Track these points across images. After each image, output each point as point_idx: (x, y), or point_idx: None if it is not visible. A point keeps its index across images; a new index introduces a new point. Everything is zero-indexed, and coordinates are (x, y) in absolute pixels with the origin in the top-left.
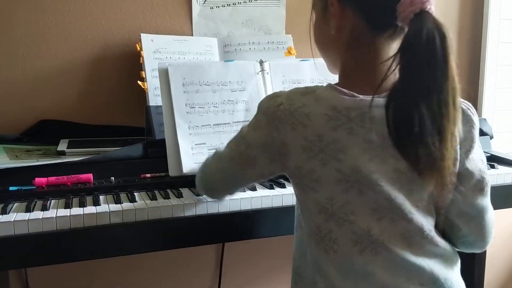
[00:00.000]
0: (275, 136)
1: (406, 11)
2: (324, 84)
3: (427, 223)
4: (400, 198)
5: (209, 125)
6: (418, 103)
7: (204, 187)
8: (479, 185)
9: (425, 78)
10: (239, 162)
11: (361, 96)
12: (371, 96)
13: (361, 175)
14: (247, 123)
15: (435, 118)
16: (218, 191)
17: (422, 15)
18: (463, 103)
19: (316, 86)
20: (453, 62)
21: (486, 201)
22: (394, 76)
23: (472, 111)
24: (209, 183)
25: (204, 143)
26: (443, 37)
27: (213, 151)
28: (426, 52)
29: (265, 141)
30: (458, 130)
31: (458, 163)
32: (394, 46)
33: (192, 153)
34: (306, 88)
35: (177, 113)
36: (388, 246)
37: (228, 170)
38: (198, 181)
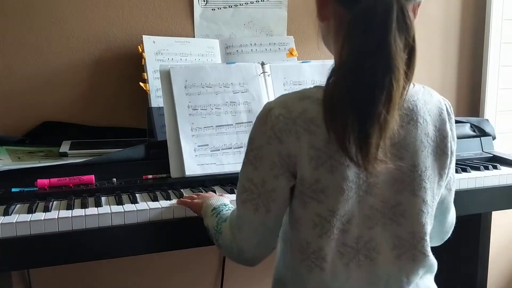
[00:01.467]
0: (281, 150)
1: None
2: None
3: (420, 225)
4: (393, 200)
5: (212, 126)
6: (344, 84)
7: (247, 261)
8: (448, 185)
9: (358, 57)
10: (264, 206)
11: None
12: None
13: (362, 179)
14: (243, 165)
15: (358, 102)
16: (262, 254)
17: None
18: (441, 100)
19: (309, 89)
20: (394, 40)
21: (451, 200)
22: None
23: (448, 110)
24: (251, 258)
25: (207, 145)
26: (387, 10)
27: (219, 153)
28: (363, 27)
29: (273, 163)
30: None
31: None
32: None
33: (195, 154)
34: (299, 93)
35: (179, 115)
36: (373, 256)
37: (259, 226)
38: (235, 259)
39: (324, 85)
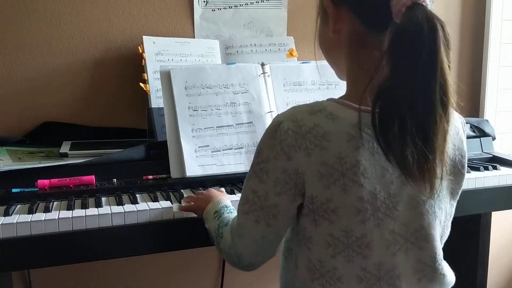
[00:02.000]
0: (288, 167)
1: (398, 5)
2: (325, 92)
3: (439, 247)
4: (415, 223)
5: (212, 127)
6: (402, 101)
7: (245, 267)
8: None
9: (412, 74)
10: (265, 220)
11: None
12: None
13: (380, 200)
14: (248, 176)
15: (418, 118)
16: (260, 262)
17: (414, 8)
18: (457, 117)
19: (321, 102)
20: (444, 56)
21: (454, 208)
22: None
23: (464, 128)
24: (248, 265)
25: (208, 146)
26: (433, 29)
27: (219, 153)
28: (413, 46)
29: (278, 180)
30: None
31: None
32: None
33: (195, 155)
34: (310, 106)
35: (180, 116)
36: (396, 284)
37: (258, 238)
38: (234, 265)
39: (336, 97)
